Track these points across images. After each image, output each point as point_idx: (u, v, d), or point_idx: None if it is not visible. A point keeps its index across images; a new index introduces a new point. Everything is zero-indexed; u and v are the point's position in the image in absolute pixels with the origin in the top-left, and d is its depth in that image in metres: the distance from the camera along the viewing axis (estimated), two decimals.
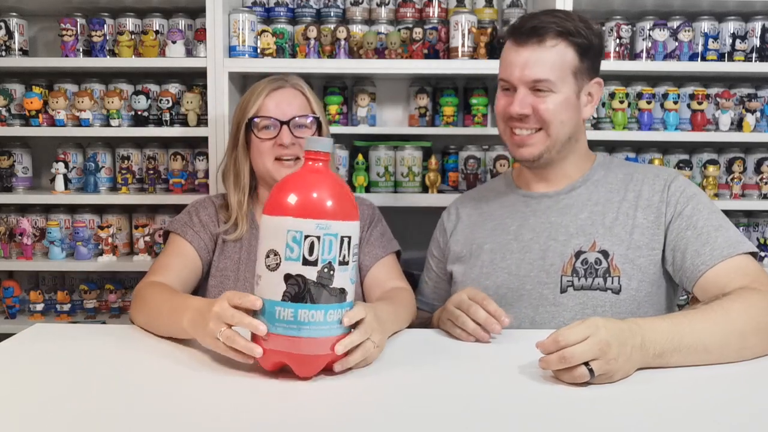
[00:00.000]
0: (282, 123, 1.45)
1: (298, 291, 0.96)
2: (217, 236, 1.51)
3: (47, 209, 2.30)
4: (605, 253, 1.34)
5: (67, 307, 2.29)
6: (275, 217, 0.98)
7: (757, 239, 2.30)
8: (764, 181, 2.25)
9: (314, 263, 0.96)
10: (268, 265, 0.98)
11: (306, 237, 0.96)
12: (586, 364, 0.96)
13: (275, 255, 0.97)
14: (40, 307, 2.26)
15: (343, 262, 0.98)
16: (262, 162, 1.48)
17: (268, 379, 1.00)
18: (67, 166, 2.26)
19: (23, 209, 2.32)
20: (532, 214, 1.42)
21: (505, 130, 1.40)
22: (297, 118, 1.47)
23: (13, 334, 1.24)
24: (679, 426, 0.87)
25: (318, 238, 0.96)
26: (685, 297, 1.94)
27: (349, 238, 0.99)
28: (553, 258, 1.37)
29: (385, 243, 1.56)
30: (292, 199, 0.98)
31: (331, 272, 0.97)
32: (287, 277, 0.96)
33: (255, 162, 1.50)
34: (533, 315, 1.36)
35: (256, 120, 1.47)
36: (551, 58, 1.31)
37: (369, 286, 1.50)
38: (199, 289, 1.52)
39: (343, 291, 0.99)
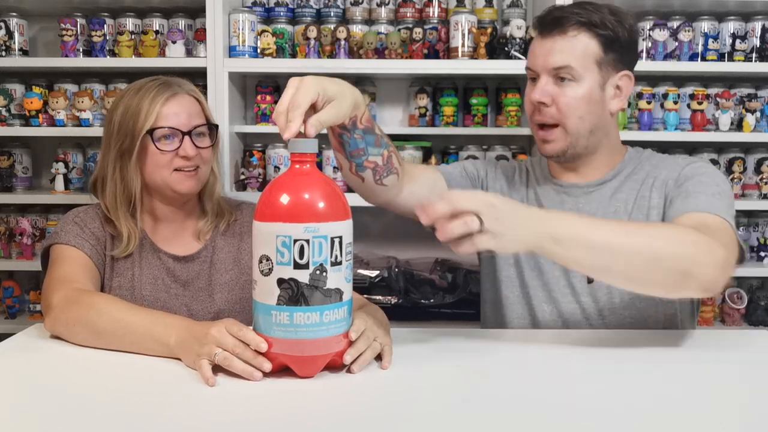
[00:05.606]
0: (184, 134, 1.36)
1: (292, 294, 0.97)
2: (105, 253, 1.40)
3: (47, 209, 2.31)
4: None
5: None
6: (265, 223, 0.98)
7: (757, 239, 2.30)
8: (764, 181, 2.25)
9: (305, 266, 0.96)
10: (262, 270, 0.98)
11: (295, 241, 0.96)
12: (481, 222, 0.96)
13: (267, 260, 0.97)
14: (40, 307, 2.26)
15: (336, 263, 0.98)
16: (160, 174, 1.36)
17: (270, 378, 1.00)
18: (67, 166, 2.26)
19: (23, 209, 2.32)
20: (560, 202, 1.42)
21: (532, 126, 1.39)
22: (198, 128, 1.38)
23: (13, 334, 1.24)
24: (679, 426, 0.87)
25: (307, 241, 0.96)
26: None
27: (340, 238, 0.98)
28: None
29: None
30: (279, 203, 0.98)
31: (324, 274, 0.97)
32: (280, 282, 0.97)
33: (150, 173, 1.38)
34: (562, 300, 1.36)
35: (156, 131, 1.35)
36: (573, 47, 1.30)
37: None
38: None
39: (338, 291, 0.99)
